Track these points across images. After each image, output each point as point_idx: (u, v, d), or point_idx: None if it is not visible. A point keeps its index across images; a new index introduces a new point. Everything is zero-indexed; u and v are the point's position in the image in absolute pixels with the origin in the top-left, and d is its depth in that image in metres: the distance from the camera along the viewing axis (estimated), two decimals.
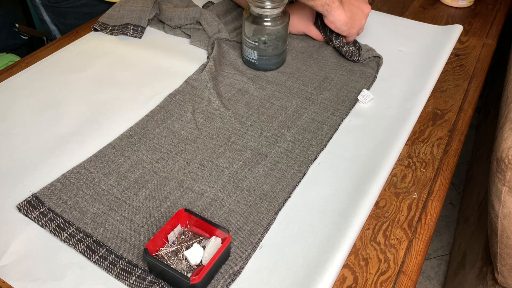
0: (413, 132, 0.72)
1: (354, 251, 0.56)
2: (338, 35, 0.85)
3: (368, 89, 0.79)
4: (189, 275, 0.50)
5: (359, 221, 0.57)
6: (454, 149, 0.70)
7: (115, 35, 0.92)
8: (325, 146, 0.68)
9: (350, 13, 0.81)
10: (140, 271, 0.52)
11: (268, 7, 0.75)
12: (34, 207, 0.58)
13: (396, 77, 0.83)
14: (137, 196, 0.60)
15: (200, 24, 0.91)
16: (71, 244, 0.54)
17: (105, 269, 0.52)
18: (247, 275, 0.52)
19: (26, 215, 0.57)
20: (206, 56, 0.87)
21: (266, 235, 0.56)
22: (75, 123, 0.71)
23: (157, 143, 0.68)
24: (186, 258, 0.52)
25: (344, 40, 0.86)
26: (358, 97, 0.77)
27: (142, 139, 0.68)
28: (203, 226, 0.54)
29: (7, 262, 0.53)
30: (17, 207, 0.58)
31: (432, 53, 0.88)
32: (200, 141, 0.69)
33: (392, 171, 0.66)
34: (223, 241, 0.53)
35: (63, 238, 0.55)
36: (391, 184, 0.64)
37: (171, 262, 0.51)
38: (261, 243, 0.56)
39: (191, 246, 0.52)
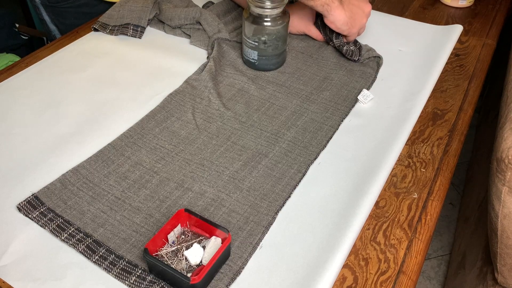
0: (413, 132, 0.72)
1: (354, 251, 0.56)
2: (338, 34, 0.85)
3: (368, 89, 0.79)
4: (189, 275, 0.50)
5: (359, 221, 0.57)
6: (454, 149, 0.70)
7: (115, 35, 0.92)
8: (325, 146, 0.68)
9: (350, 13, 0.81)
10: (140, 271, 0.52)
11: (268, 7, 0.75)
12: (34, 207, 0.58)
13: (396, 77, 0.83)
14: (137, 196, 0.60)
15: (200, 24, 0.91)
16: (71, 244, 0.54)
17: (105, 269, 0.52)
18: (247, 275, 0.52)
19: (26, 215, 0.57)
20: (206, 56, 0.87)
21: (266, 235, 0.56)
22: (75, 123, 0.71)
23: (157, 143, 0.68)
24: (186, 258, 0.52)
25: (345, 40, 0.86)
26: (358, 97, 0.77)
27: (142, 139, 0.69)
28: (203, 226, 0.54)
29: (7, 262, 0.53)
30: (17, 207, 0.58)
31: (432, 53, 0.88)
32: (200, 141, 0.69)
33: (392, 171, 0.66)
34: (223, 241, 0.53)
35: (63, 238, 0.55)
36: (391, 184, 0.64)
37: (171, 262, 0.51)
38: (261, 243, 0.56)
39: (191, 246, 0.52)
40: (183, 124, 0.71)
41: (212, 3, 1.00)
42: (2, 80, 0.79)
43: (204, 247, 0.52)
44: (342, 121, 0.73)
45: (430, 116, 0.75)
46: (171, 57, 0.86)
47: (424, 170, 0.66)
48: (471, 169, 1.58)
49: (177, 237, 0.54)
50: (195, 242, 0.53)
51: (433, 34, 0.94)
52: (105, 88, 0.79)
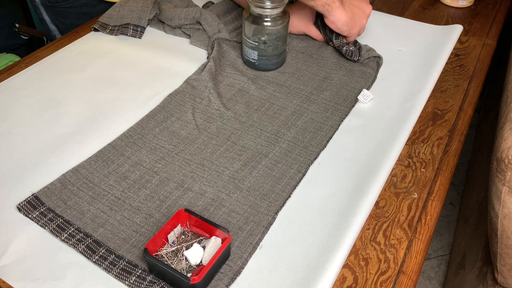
0: (413, 132, 0.72)
1: (354, 251, 0.56)
2: (338, 34, 0.85)
3: (368, 89, 0.79)
4: (189, 275, 0.50)
5: (359, 221, 0.57)
6: (454, 149, 0.70)
7: (115, 35, 0.92)
8: (325, 146, 0.68)
9: (350, 13, 0.81)
10: (140, 271, 0.52)
11: (268, 7, 0.75)
12: (34, 207, 0.58)
13: (396, 77, 0.83)
14: (137, 196, 0.60)
15: (200, 24, 0.91)
16: (71, 244, 0.54)
17: (105, 269, 0.52)
18: (247, 275, 0.52)
19: (26, 215, 0.57)
20: (206, 56, 0.87)
21: (266, 235, 0.56)
22: (75, 123, 0.71)
23: (157, 143, 0.68)
24: (186, 258, 0.52)
25: (345, 40, 0.86)
26: (358, 97, 0.77)
27: (142, 139, 0.69)
28: (203, 226, 0.54)
29: (7, 262, 0.53)
30: (17, 207, 0.58)
31: (432, 53, 0.88)
32: (200, 141, 0.69)
33: (392, 171, 0.66)
34: (223, 241, 0.53)
35: (63, 238, 0.55)
36: (391, 184, 0.64)
37: (171, 262, 0.51)
38: (261, 243, 0.56)
39: (191, 246, 0.52)
40: (183, 124, 0.71)
41: (212, 3, 1.01)
42: (2, 80, 0.80)
43: (204, 247, 0.52)
44: (342, 121, 0.73)
45: (430, 116, 0.75)
46: (171, 57, 0.86)
47: (424, 170, 0.66)
48: (471, 169, 1.58)
49: (177, 237, 0.54)
50: (195, 242, 0.53)
51: (433, 34, 0.94)
52: (105, 88, 0.79)
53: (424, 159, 0.68)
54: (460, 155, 0.70)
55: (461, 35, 0.95)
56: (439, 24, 0.99)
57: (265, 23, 0.77)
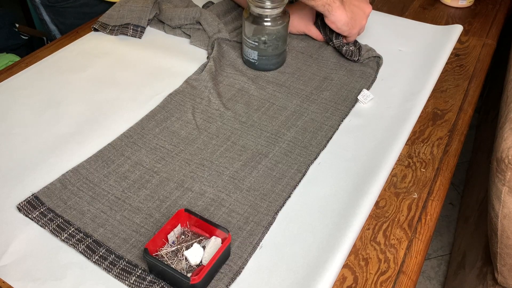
0: (413, 132, 0.72)
1: (354, 251, 0.56)
2: (338, 34, 0.85)
3: (368, 89, 0.79)
4: (189, 275, 0.50)
5: (359, 221, 0.57)
6: (454, 149, 0.70)
7: (115, 35, 0.92)
8: (325, 146, 0.68)
9: (351, 13, 0.81)
10: (140, 271, 0.52)
11: (268, 7, 0.75)
12: (34, 207, 0.58)
13: (396, 77, 0.83)
14: (137, 196, 0.60)
15: (200, 24, 0.91)
16: (71, 244, 0.54)
17: (105, 269, 0.52)
18: (247, 275, 0.52)
19: (26, 215, 0.57)
20: (206, 56, 0.87)
21: (266, 235, 0.56)
22: (75, 123, 0.71)
23: (157, 143, 0.68)
24: (186, 258, 0.52)
25: (345, 40, 0.86)
26: (358, 97, 0.77)
27: (142, 139, 0.69)
28: (203, 226, 0.54)
29: (7, 262, 0.53)
30: (17, 207, 0.58)
31: (432, 53, 0.88)
32: (200, 141, 0.69)
33: (392, 171, 0.66)
34: (223, 241, 0.53)
35: (63, 238, 0.55)
36: (391, 184, 0.64)
37: (171, 262, 0.51)
38: (261, 243, 0.56)
39: (191, 246, 0.52)
40: (183, 124, 0.71)
41: (212, 3, 1.00)
42: (2, 80, 0.80)
43: (204, 247, 0.52)
44: (342, 121, 0.73)
45: (430, 116, 0.75)
46: (171, 57, 0.86)
47: (424, 170, 0.66)
48: (471, 169, 1.58)
49: (177, 237, 0.54)
50: (195, 242, 0.53)
51: (433, 34, 0.94)
52: (105, 88, 0.79)
53: (424, 159, 0.68)
54: (460, 155, 0.70)
55: (461, 35, 0.95)
56: (439, 24, 0.99)
57: (265, 23, 0.77)
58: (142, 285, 0.51)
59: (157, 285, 0.51)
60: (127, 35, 0.91)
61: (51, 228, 0.56)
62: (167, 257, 0.52)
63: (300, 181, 0.63)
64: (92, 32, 0.93)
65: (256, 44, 0.79)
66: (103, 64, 0.84)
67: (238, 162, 0.65)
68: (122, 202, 0.59)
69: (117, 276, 0.52)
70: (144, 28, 0.92)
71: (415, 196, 0.62)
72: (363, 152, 0.68)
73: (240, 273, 0.52)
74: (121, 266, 0.52)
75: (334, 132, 0.71)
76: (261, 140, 0.69)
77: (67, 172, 0.63)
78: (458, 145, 0.70)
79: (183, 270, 0.51)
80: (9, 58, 1.65)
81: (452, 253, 1.42)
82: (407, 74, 0.83)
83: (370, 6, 0.85)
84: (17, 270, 0.52)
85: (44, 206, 0.58)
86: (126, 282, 0.51)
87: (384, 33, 0.94)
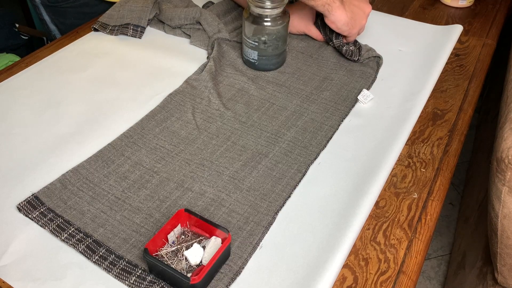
0: (413, 132, 0.72)
1: (354, 251, 0.56)
2: (338, 34, 0.85)
3: (368, 89, 0.79)
4: (189, 275, 0.50)
5: (359, 221, 0.57)
6: (454, 149, 0.70)
7: (115, 35, 0.92)
8: (325, 146, 0.68)
9: (351, 13, 0.81)
10: (140, 271, 0.52)
11: (268, 7, 0.75)
12: (34, 207, 0.58)
13: (396, 77, 0.83)
14: (137, 196, 0.60)
15: (200, 24, 0.91)
16: (71, 244, 0.54)
17: (105, 269, 0.52)
18: (247, 275, 0.52)
19: (26, 215, 0.57)
20: (206, 56, 0.87)
21: (266, 235, 0.56)
22: (75, 123, 0.71)
23: (157, 143, 0.68)
24: (186, 258, 0.52)
25: (345, 40, 0.86)
26: (358, 97, 0.77)
27: (142, 139, 0.69)
28: (203, 226, 0.54)
29: (7, 262, 0.53)
30: (17, 207, 0.58)
31: (432, 53, 0.88)
32: (200, 141, 0.69)
33: (392, 171, 0.66)
34: (223, 241, 0.53)
35: (63, 238, 0.55)
36: (391, 184, 0.64)
37: (171, 262, 0.51)
38: (261, 243, 0.56)
39: (191, 246, 0.52)
40: (183, 124, 0.71)
41: (212, 3, 1.00)
42: (2, 80, 0.80)
43: (204, 247, 0.52)
44: (342, 121, 0.73)
45: (430, 116, 0.75)
46: (171, 57, 0.86)
47: (424, 170, 0.66)
48: (471, 169, 1.58)
49: (177, 237, 0.54)
50: (195, 242, 0.53)
51: (433, 34, 0.94)
52: (105, 88, 0.79)
53: (424, 159, 0.68)
54: (460, 155, 0.70)
55: (461, 35, 0.95)
56: (439, 24, 0.99)
57: (265, 23, 0.77)
58: (142, 285, 0.51)
59: (157, 285, 0.51)
60: (127, 35, 0.91)
61: (51, 228, 0.56)
62: (167, 257, 0.52)
63: (300, 181, 0.63)
64: (92, 32, 0.93)
65: (256, 44, 0.79)
66: (103, 64, 0.84)
67: (238, 162, 0.65)
68: (122, 202, 0.59)
69: (117, 276, 0.52)
70: (144, 28, 0.92)
71: (415, 196, 0.62)
72: (363, 152, 0.68)
73: (240, 273, 0.52)
74: (121, 266, 0.52)
75: (334, 132, 0.71)
76: (261, 140, 0.69)
77: (67, 172, 0.63)
78: (458, 145, 0.70)
79: (183, 270, 0.51)
80: (9, 58, 1.65)
81: (452, 253, 1.42)
82: (407, 74, 0.83)
83: (370, 6, 0.85)
84: (17, 270, 0.52)
85: (44, 206, 0.58)
86: (126, 282, 0.51)
87: (384, 33, 0.94)
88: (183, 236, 0.55)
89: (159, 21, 0.95)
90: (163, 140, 0.68)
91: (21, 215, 0.58)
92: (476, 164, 1.49)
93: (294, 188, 0.62)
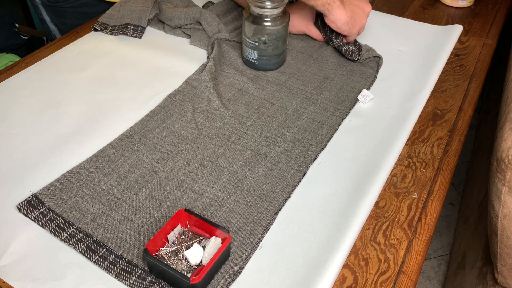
0: (413, 132, 0.72)
1: (354, 251, 0.56)
2: (338, 34, 0.85)
3: (368, 89, 0.79)
4: (189, 275, 0.50)
5: (359, 221, 0.57)
6: (454, 149, 0.70)
7: (115, 35, 0.92)
8: (325, 146, 0.68)
9: (351, 13, 0.81)
10: (140, 271, 0.52)
11: (268, 7, 0.75)
12: (34, 207, 0.58)
13: (396, 77, 0.83)
14: (137, 196, 0.60)
15: (200, 24, 0.91)
16: (71, 244, 0.54)
17: (105, 269, 0.52)
18: (247, 275, 0.52)
19: (26, 215, 0.57)
20: (206, 56, 0.87)
21: (266, 235, 0.56)
22: (75, 123, 0.71)
23: (157, 143, 0.68)
24: (186, 258, 0.52)
25: (345, 40, 0.86)
26: (358, 97, 0.77)
27: (142, 139, 0.69)
28: (203, 226, 0.54)
29: (7, 262, 0.53)
30: (17, 207, 0.58)
31: (432, 53, 0.88)
32: (200, 141, 0.69)
33: (392, 171, 0.66)
34: (223, 241, 0.53)
35: (63, 238, 0.55)
36: (391, 184, 0.64)
37: (171, 262, 0.51)
38: (261, 243, 0.56)
39: (191, 246, 0.52)
40: (183, 124, 0.71)
41: (212, 3, 1.01)
42: (2, 80, 0.80)
43: (204, 247, 0.52)
44: (342, 121, 0.73)
45: (430, 116, 0.75)
46: (171, 57, 0.86)
47: (424, 170, 0.66)
48: (471, 169, 1.58)
49: (177, 237, 0.54)
50: (195, 242, 0.53)
51: (433, 34, 0.94)
52: (105, 88, 0.79)
53: (424, 159, 0.68)
54: (460, 155, 0.70)
55: (461, 35, 0.95)
56: (439, 24, 0.99)
57: (265, 23, 0.77)
58: (142, 285, 0.51)
59: (157, 285, 0.51)
60: (127, 35, 0.91)
61: (51, 228, 0.56)
62: (167, 257, 0.52)
63: (300, 181, 0.63)
64: (92, 32, 0.93)
65: (256, 44, 0.79)
66: (103, 64, 0.84)
67: (238, 162, 0.65)
68: (122, 202, 0.59)
69: (117, 276, 0.52)
70: (144, 28, 0.92)
71: (415, 196, 0.62)
72: (363, 152, 0.68)
73: (240, 273, 0.52)
74: (121, 266, 0.52)
75: (334, 132, 0.71)
76: (261, 140, 0.69)
77: (67, 172, 0.63)
78: (458, 145, 0.70)
79: (183, 270, 0.51)
80: (9, 58, 1.65)
81: (452, 253, 1.42)
82: (407, 74, 0.83)
83: (369, 5, 0.85)
84: (17, 270, 0.52)
85: (44, 206, 0.58)
86: (126, 282, 0.51)
87: (384, 33, 0.94)
88: (183, 236, 0.55)
89: (159, 21, 0.95)
90: (163, 140, 0.68)
91: (21, 215, 0.58)
92: (476, 164, 1.49)
93: (294, 188, 0.62)
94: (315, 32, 0.89)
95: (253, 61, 0.82)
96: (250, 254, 0.54)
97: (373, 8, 1.01)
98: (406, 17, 1.01)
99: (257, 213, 0.59)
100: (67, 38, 0.92)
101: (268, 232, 0.57)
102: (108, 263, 0.53)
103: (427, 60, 0.86)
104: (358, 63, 0.85)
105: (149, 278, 0.51)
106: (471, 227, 1.22)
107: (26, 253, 0.54)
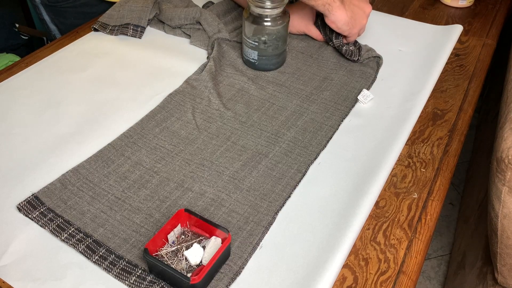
0: (413, 132, 0.72)
1: (354, 251, 0.56)
2: (338, 34, 0.85)
3: (368, 89, 0.79)
4: (189, 275, 0.50)
5: (359, 221, 0.57)
6: (454, 149, 0.70)
7: (115, 35, 0.92)
8: (325, 146, 0.68)
9: (351, 13, 0.81)
10: (140, 271, 0.52)
11: (268, 7, 0.75)
12: (34, 207, 0.58)
13: (396, 77, 0.83)
14: (137, 196, 0.60)
15: (200, 24, 0.91)
16: (71, 244, 0.54)
17: (105, 269, 0.52)
18: (247, 275, 0.52)
19: (26, 215, 0.57)
20: (206, 56, 0.87)
21: (266, 235, 0.56)
22: (75, 123, 0.71)
23: (157, 143, 0.68)
24: (186, 258, 0.52)
25: (345, 40, 0.86)
26: (358, 97, 0.77)
27: (142, 139, 0.69)
28: (203, 226, 0.54)
29: (7, 262, 0.53)
30: (17, 207, 0.58)
31: (432, 53, 0.88)
32: (200, 141, 0.69)
33: (392, 171, 0.66)
34: (223, 241, 0.53)
35: (63, 238, 0.55)
36: (391, 184, 0.64)
37: (171, 262, 0.51)
38: (261, 243, 0.56)
39: (191, 246, 0.52)
40: (183, 124, 0.71)
41: (212, 3, 1.01)
42: (2, 80, 0.80)
43: (204, 247, 0.52)
44: (342, 121, 0.73)
45: (430, 116, 0.75)
46: (171, 57, 0.86)
47: (424, 170, 0.66)
48: (471, 169, 1.58)
49: (177, 237, 0.54)
50: (195, 242, 0.53)
51: (433, 34, 0.94)
52: (105, 88, 0.79)
53: (424, 159, 0.68)
54: (460, 155, 0.70)
55: (461, 35, 0.95)
56: (439, 24, 0.99)
57: (265, 23, 0.77)
58: (142, 285, 0.51)
59: (157, 285, 0.51)
60: (127, 35, 0.91)
61: (51, 228, 0.56)
62: (167, 257, 0.52)
63: (300, 181, 0.63)
64: (92, 32, 0.93)
65: (256, 44, 0.79)
66: (103, 64, 0.84)
67: (238, 162, 0.65)
68: (122, 202, 0.59)
69: (117, 276, 0.52)
70: (144, 28, 0.92)
71: (415, 196, 0.62)
72: (363, 152, 0.68)
73: (240, 273, 0.52)
74: (121, 266, 0.52)
75: (334, 132, 0.71)
76: (261, 140, 0.69)
77: (67, 172, 0.63)
78: (458, 145, 0.70)
79: (183, 270, 0.51)
80: (9, 58, 1.65)
81: (452, 253, 1.42)
82: (407, 74, 0.83)
83: (370, 5, 0.85)
84: (17, 270, 0.52)
85: (44, 206, 0.58)
86: (126, 282, 0.51)
87: (384, 33, 0.94)
88: (183, 236, 0.55)
89: (159, 21, 0.95)
90: (163, 140, 0.68)
91: (21, 215, 0.58)
92: (476, 164, 1.49)
93: (294, 188, 0.62)
94: (315, 32, 0.89)
95: (253, 61, 0.82)
96: (250, 254, 0.54)
97: (373, 8, 1.01)
98: (406, 17, 1.01)
99: (257, 213, 0.59)
100: (67, 38, 0.92)
101: (268, 232, 0.57)
102: (108, 263, 0.53)
103: (427, 60, 0.86)
104: (358, 63, 0.85)
105: (149, 278, 0.51)
106: (471, 227, 1.22)
107: (26, 253, 0.54)
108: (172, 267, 0.49)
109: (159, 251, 0.52)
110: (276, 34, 0.79)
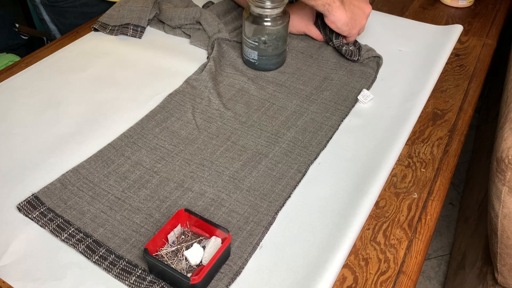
0: (413, 132, 0.72)
1: (354, 251, 0.56)
2: (338, 34, 0.85)
3: (368, 89, 0.79)
4: (189, 275, 0.50)
5: (359, 221, 0.57)
6: (454, 149, 0.70)
7: (115, 35, 0.92)
8: (325, 146, 0.68)
9: (351, 13, 0.81)
10: (140, 271, 0.52)
11: (268, 7, 0.75)
12: (34, 207, 0.58)
13: (396, 77, 0.83)
14: (137, 196, 0.60)
15: (200, 24, 0.91)
16: (71, 244, 0.54)
17: (105, 269, 0.52)
18: (247, 275, 0.52)
19: (26, 215, 0.57)
20: (206, 56, 0.87)
21: (266, 235, 0.56)
22: (75, 123, 0.71)
23: (157, 143, 0.68)
24: (186, 258, 0.52)
25: (345, 41, 0.86)
26: (358, 97, 0.77)
27: (142, 139, 0.69)
28: (203, 226, 0.54)
29: (7, 262, 0.53)
30: (17, 207, 0.58)
31: (432, 53, 0.88)
32: (200, 141, 0.69)
33: (392, 171, 0.66)
34: (223, 241, 0.53)
35: (63, 238, 0.55)
36: (391, 184, 0.64)
37: (171, 262, 0.51)
38: (261, 243, 0.56)
39: (191, 246, 0.52)
40: (183, 124, 0.71)
41: (212, 3, 1.01)
42: (2, 80, 0.80)
43: (204, 247, 0.52)
44: (342, 121, 0.73)
45: (430, 116, 0.75)
46: (171, 57, 0.86)
47: (424, 170, 0.66)
48: (471, 169, 1.58)
49: (177, 237, 0.54)
50: (195, 242, 0.53)
51: (433, 34, 0.94)
52: (105, 88, 0.79)
53: (424, 159, 0.68)
54: (460, 155, 0.70)
55: (461, 35, 0.95)
56: (439, 24, 0.99)
57: (265, 23, 0.77)
58: (142, 285, 0.51)
59: (157, 285, 0.51)
60: (127, 35, 0.91)
61: (51, 228, 0.56)
62: (167, 257, 0.52)
63: (300, 181, 0.63)
64: (92, 32, 0.93)
65: (256, 44, 0.79)
66: (103, 64, 0.84)
67: (238, 162, 0.65)
68: (122, 202, 0.59)
69: (117, 276, 0.52)
70: (144, 28, 0.92)
71: (415, 196, 0.62)
72: (363, 152, 0.68)
73: (240, 273, 0.52)
74: (121, 266, 0.52)
75: (334, 132, 0.71)
76: (261, 140, 0.69)
77: (67, 172, 0.63)
78: (458, 145, 0.70)
79: (183, 270, 0.51)
80: (9, 58, 1.65)
81: (452, 253, 1.42)
82: (407, 74, 0.83)
83: (370, 6, 0.85)
84: (17, 270, 0.52)
85: (44, 206, 0.58)
86: (126, 282, 0.51)
87: (384, 33, 0.94)
88: (183, 236, 0.55)
89: (159, 21, 0.95)
90: (163, 140, 0.68)
91: (21, 215, 0.58)
92: (476, 164, 1.49)
93: (294, 188, 0.62)
94: (315, 32, 0.89)
95: (253, 61, 0.82)
96: (250, 254, 0.54)
97: (373, 8, 1.01)
98: (406, 17, 1.01)
99: (257, 213, 0.59)
100: (67, 38, 0.92)
101: (268, 232, 0.57)
102: (108, 263, 0.53)
103: (427, 60, 0.86)
104: (358, 63, 0.85)
105: (149, 278, 0.51)
106: (471, 227, 1.22)
107: (26, 253, 0.54)
108: (172, 267, 0.49)
109: (159, 251, 0.52)
110: (276, 34, 0.79)
